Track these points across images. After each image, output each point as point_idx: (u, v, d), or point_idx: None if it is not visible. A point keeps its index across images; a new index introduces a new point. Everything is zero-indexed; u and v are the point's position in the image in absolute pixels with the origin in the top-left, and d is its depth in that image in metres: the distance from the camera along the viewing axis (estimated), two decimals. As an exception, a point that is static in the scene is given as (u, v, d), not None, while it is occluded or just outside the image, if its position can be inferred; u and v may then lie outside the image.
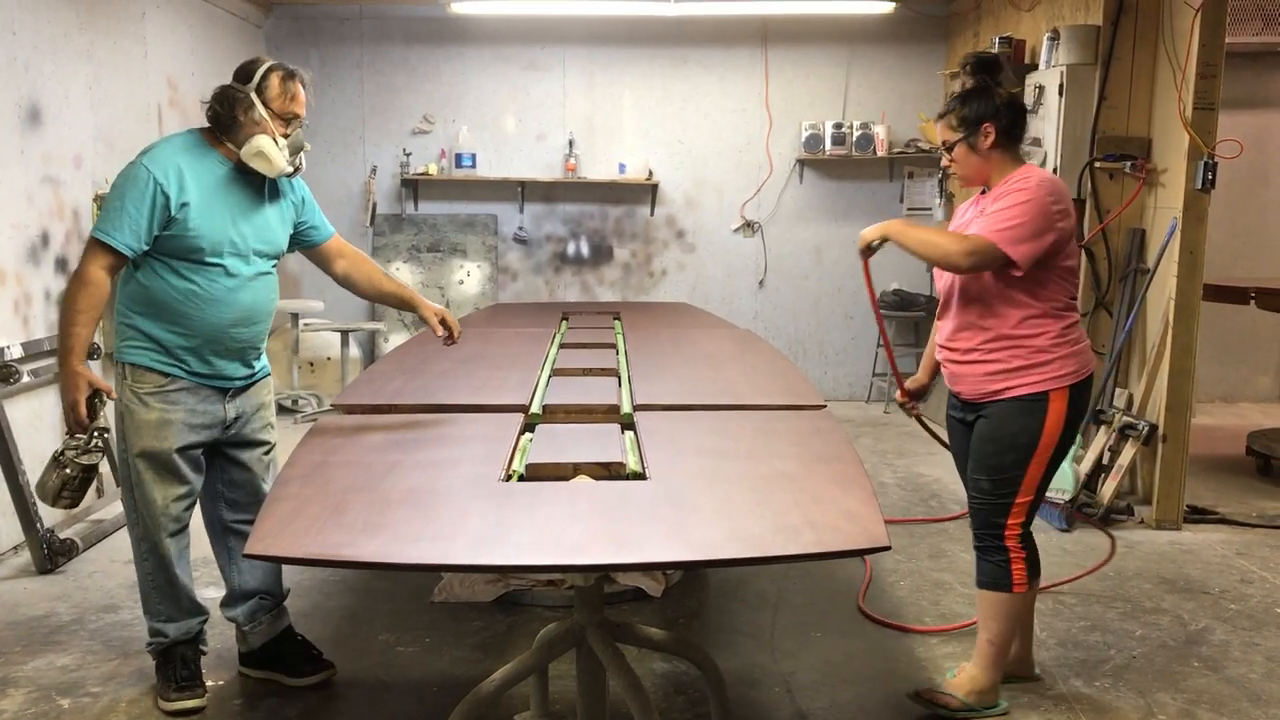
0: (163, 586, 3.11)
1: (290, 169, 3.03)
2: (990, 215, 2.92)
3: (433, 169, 7.57)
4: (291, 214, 3.19)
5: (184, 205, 2.88)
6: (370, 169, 7.63)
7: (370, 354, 7.70)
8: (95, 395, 2.91)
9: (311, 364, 7.48)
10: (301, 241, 3.29)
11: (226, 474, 3.22)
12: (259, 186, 3.06)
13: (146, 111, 5.61)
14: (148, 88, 5.66)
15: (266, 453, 3.29)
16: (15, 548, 4.37)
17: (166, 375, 2.97)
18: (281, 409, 7.10)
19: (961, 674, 3.13)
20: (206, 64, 6.39)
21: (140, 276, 2.95)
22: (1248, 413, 7.51)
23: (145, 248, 2.89)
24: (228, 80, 3.05)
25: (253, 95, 2.97)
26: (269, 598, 3.31)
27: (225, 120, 2.97)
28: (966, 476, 3.13)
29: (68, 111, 4.84)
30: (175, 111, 5.91)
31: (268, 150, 2.95)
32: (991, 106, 2.99)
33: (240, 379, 3.13)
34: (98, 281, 2.86)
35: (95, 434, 2.92)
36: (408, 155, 7.56)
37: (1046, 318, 2.96)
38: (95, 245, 2.86)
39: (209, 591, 3.73)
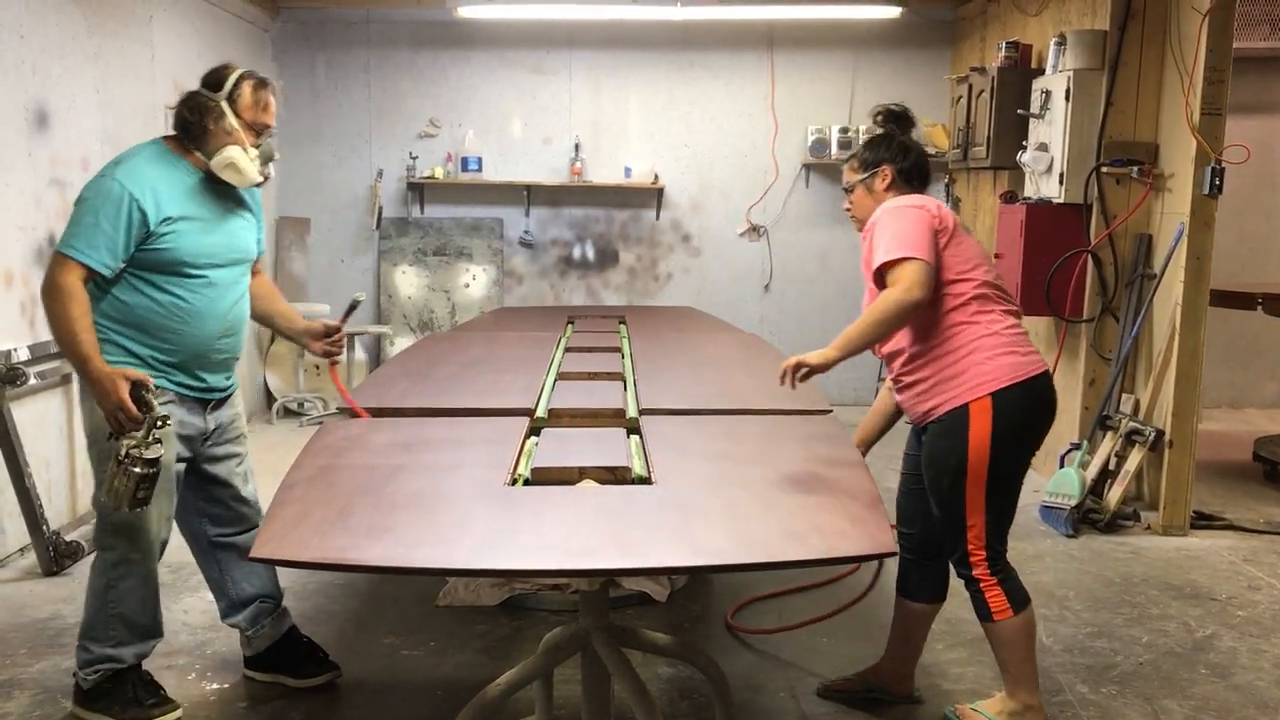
0: (132, 610, 2.99)
1: (261, 180, 2.99)
2: (876, 247, 2.85)
3: (439, 173, 7.57)
4: (254, 221, 3.14)
5: (165, 220, 2.83)
6: (376, 173, 7.63)
7: (376, 358, 7.70)
8: (136, 388, 2.79)
9: (317, 367, 7.49)
10: None
11: (204, 490, 3.15)
12: (227, 194, 3.01)
13: (153, 114, 5.62)
14: (154, 91, 5.67)
15: (240, 463, 3.22)
16: (21, 550, 4.38)
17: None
18: (287, 412, 7.11)
19: (994, 698, 3.05)
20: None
21: (118, 293, 2.86)
22: (1254, 418, 7.49)
23: (121, 265, 2.81)
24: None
25: (224, 104, 2.90)
26: (269, 600, 3.28)
27: (195, 129, 2.91)
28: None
29: (75, 114, 4.85)
30: (182, 115, 5.92)
31: (239, 161, 2.90)
32: (891, 152, 3.04)
33: (221, 390, 3.09)
34: (78, 290, 2.77)
35: (153, 424, 2.78)
36: (414, 159, 7.57)
37: (955, 326, 2.83)
38: (66, 261, 2.75)
39: (190, 599, 3.72)
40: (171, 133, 2.99)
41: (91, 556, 4.38)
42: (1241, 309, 5.72)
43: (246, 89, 2.93)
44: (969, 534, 2.85)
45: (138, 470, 2.74)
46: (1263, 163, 7.08)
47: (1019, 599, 2.88)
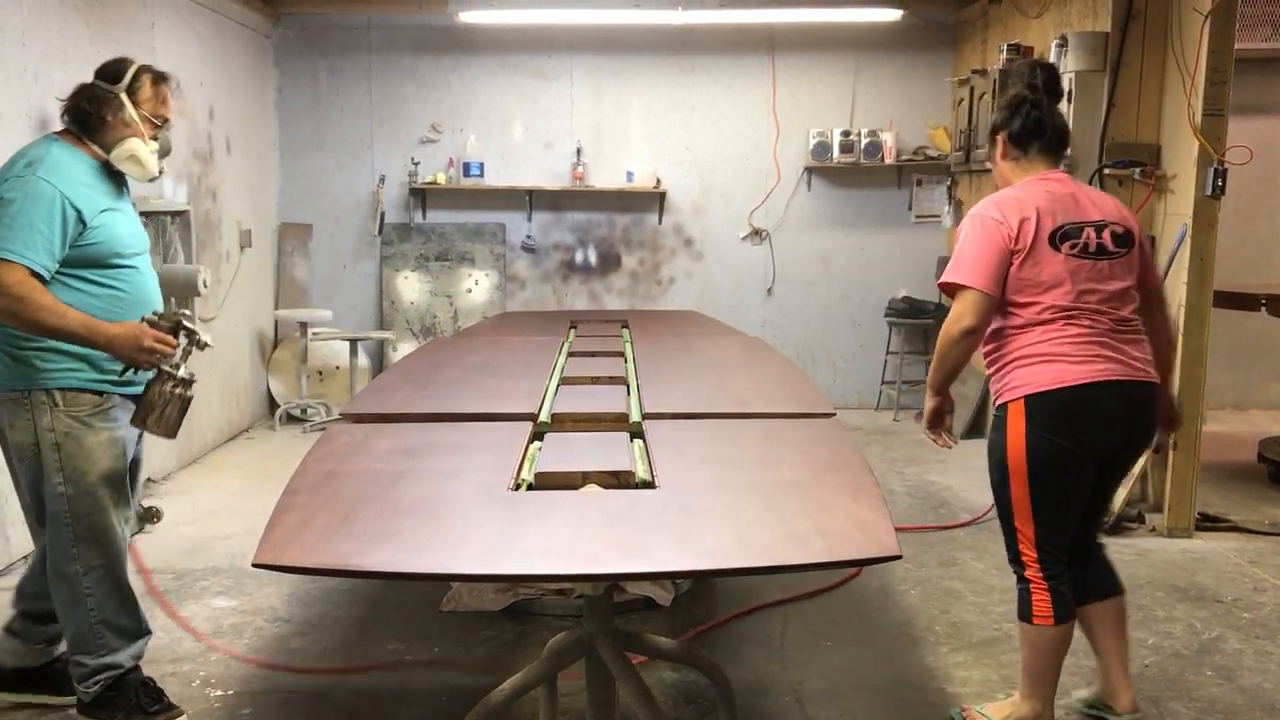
0: (113, 614, 2.95)
1: (157, 173, 2.96)
2: (954, 253, 2.90)
3: (441, 178, 7.58)
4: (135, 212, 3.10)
5: (102, 212, 2.80)
6: (378, 178, 7.64)
7: (379, 363, 7.70)
8: (155, 324, 2.81)
9: (320, 373, 7.49)
10: None
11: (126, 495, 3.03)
12: (120, 185, 2.97)
13: (156, 121, 5.63)
14: (157, 98, 5.67)
15: (140, 470, 3.16)
16: (25, 556, 4.38)
17: (100, 394, 2.86)
18: (290, 418, 7.11)
19: (1007, 700, 3.05)
20: (215, 74, 6.41)
21: (55, 293, 2.74)
22: (1259, 420, 7.47)
23: (56, 268, 2.75)
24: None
25: (123, 96, 2.87)
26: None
27: (93, 120, 2.86)
28: None
29: (78, 122, 4.85)
30: (184, 121, 5.93)
31: (140, 154, 2.88)
32: (1002, 114, 2.97)
33: (141, 384, 2.98)
34: (29, 282, 2.66)
35: (189, 345, 2.85)
36: (416, 164, 7.57)
37: (1013, 329, 2.84)
38: (5, 264, 2.64)
39: (194, 606, 3.71)
40: (60, 127, 2.93)
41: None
42: (1245, 310, 5.71)
43: (146, 81, 2.91)
44: (1018, 534, 2.88)
45: (189, 394, 2.83)
46: (1265, 163, 7.06)
47: (1064, 610, 2.86)
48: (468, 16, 6.96)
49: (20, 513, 4.19)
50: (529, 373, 3.71)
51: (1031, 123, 2.92)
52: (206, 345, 2.95)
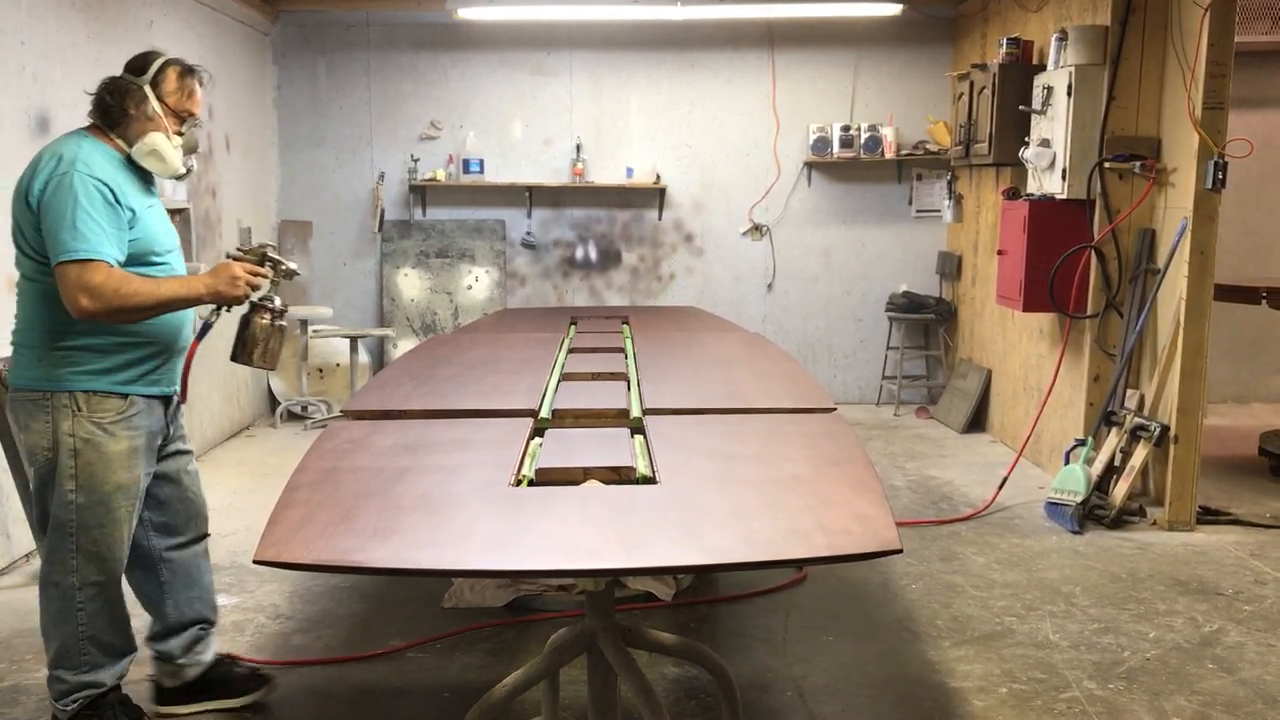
0: (103, 631, 2.87)
1: (184, 171, 2.89)
2: None
3: (440, 175, 7.58)
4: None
5: (131, 210, 2.74)
6: (378, 175, 7.63)
7: (379, 360, 7.70)
8: (243, 259, 2.87)
9: (320, 370, 7.49)
10: None
11: (153, 497, 3.00)
12: (147, 180, 2.90)
13: (155, 119, 5.62)
14: (156, 96, 5.67)
15: (190, 462, 3.12)
16: (27, 555, 4.38)
17: (125, 398, 2.79)
18: (291, 415, 7.11)
19: None
20: (214, 71, 6.39)
21: None
22: (1260, 413, 7.47)
23: (123, 257, 2.70)
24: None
25: (146, 88, 2.79)
26: (207, 626, 3.14)
27: (115, 113, 2.78)
28: None
29: (76, 120, 4.78)
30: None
31: (162, 148, 2.80)
32: None
33: (176, 384, 2.97)
34: (116, 273, 2.65)
35: (276, 275, 2.92)
36: (415, 161, 7.57)
37: None
38: (89, 264, 2.60)
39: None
40: (88, 122, 2.86)
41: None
42: (1246, 303, 5.70)
43: (171, 74, 2.83)
44: None
45: (283, 323, 2.91)
46: (1266, 156, 7.07)
47: None
48: (466, 13, 6.95)
49: (21, 513, 4.22)
50: (529, 369, 3.71)
51: None
52: (295, 273, 3.01)
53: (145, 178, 2.89)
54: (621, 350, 4.20)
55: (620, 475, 2.51)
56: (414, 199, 7.70)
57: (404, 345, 7.54)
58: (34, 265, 2.74)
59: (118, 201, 2.70)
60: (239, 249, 2.94)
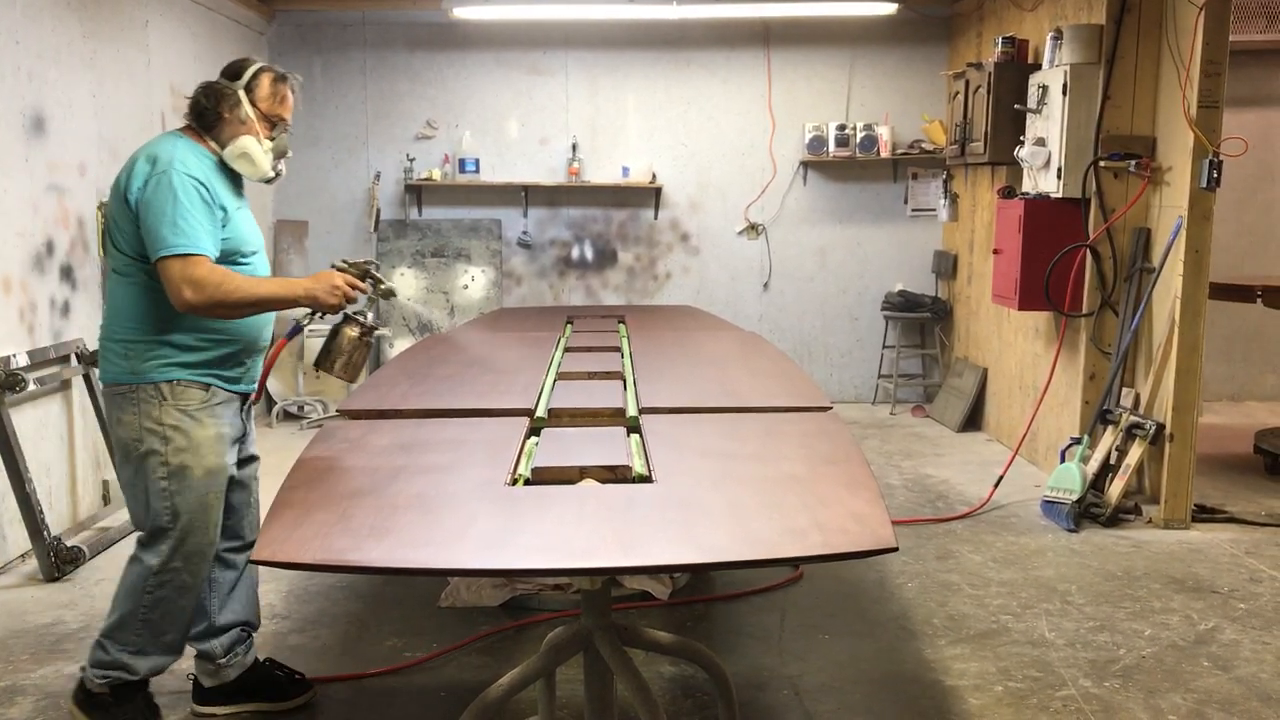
0: (162, 619, 2.89)
1: (273, 174, 2.95)
2: None
3: (436, 174, 7.57)
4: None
5: (223, 209, 2.81)
6: (374, 175, 7.63)
7: (376, 359, 7.70)
8: (344, 272, 2.91)
9: (316, 370, 7.48)
10: None
11: (225, 500, 3.01)
12: (237, 183, 2.97)
13: (150, 119, 5.62)
14: (151, 95, 5.66)
15: (257, 468, 3.18)
16: (22, 556, 4.38)
17: (208, 388, 2.85)
18: (287, 415, 7.11)
19: None
20: (210, 71, 6.30)
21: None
22: (1255, 411, 7.49)
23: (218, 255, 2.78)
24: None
25: (240, 93, 2.89)
26: (248, 628, 3.16)
27: (209, 116, 2.88)
28: None
29: (72, 120, 4.85)
30: (179, 119, 5.91)
31: (252, 152, 2.87)
32: None
33: (254, 383, 3.04)
34: (219, 270, 2.72)
35: (375, 293, 2.96)
36: (411, 161, 7.56)
37: None
38: (184, 260, 2.67)
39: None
40: (183, 124, 2.96)
41: (92, 560, 4.38)
42: (1241, 302, 5.72)
43: (265, 80, 2.92)
44: None
45: (371, 340, 2.96)
46: (1261, 155, 7.08)
47: None
48: (462, 12, 6.94)
49: (17, 512, 4.22)
50: (526, 368, 3.71)
51: None
52: (393, 294, 3.05)
53: (236, 180, 2.96)
54: (618, 349, 4.20)
55: (616, 474, 2.51)
56: (410, 199, 7.69)
57: (400, 344, 7.53)
58: (126, 261, 2.82)
59: (212, 200, 2.78)
60: (344, 261, 2.98)
